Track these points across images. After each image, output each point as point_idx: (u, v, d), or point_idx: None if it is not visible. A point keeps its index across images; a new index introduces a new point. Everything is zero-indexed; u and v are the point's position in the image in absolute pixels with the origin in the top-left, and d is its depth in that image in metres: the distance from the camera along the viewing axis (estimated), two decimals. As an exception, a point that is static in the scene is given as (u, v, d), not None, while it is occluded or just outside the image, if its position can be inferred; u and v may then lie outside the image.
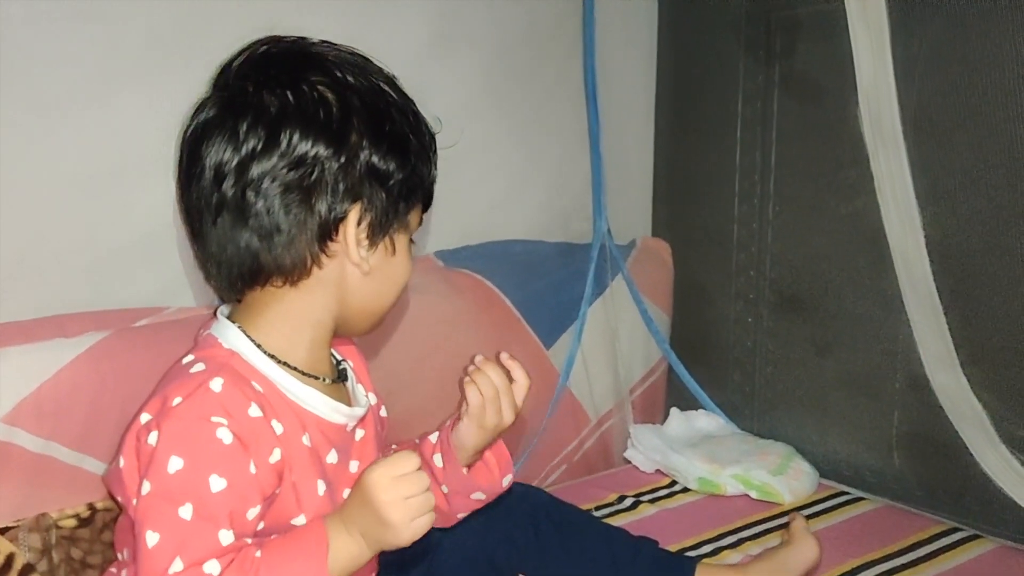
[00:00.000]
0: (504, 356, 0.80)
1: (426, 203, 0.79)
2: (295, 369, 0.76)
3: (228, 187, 0.72)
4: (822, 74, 1.25)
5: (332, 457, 0.77)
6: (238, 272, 0.74)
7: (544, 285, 1.34)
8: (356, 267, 0.75)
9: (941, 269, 1.15)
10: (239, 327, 0.76)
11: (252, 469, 0.70)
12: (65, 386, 0.89)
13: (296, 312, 0.76)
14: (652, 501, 1.23)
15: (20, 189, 0.94)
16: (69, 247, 0.98)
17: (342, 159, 0.72)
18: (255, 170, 0.71)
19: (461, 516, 0.87)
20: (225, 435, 0.69)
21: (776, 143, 1.33)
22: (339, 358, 0.83)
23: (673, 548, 1.06)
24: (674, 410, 1.42)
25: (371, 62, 0.77)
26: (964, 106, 1.11)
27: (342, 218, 0.73)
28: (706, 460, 1.27)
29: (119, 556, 0.82)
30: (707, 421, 1.41)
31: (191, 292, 1.06)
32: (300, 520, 0.74)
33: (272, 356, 0.75)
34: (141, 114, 1.00)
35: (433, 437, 0.86)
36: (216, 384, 0.71)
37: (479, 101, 1.29)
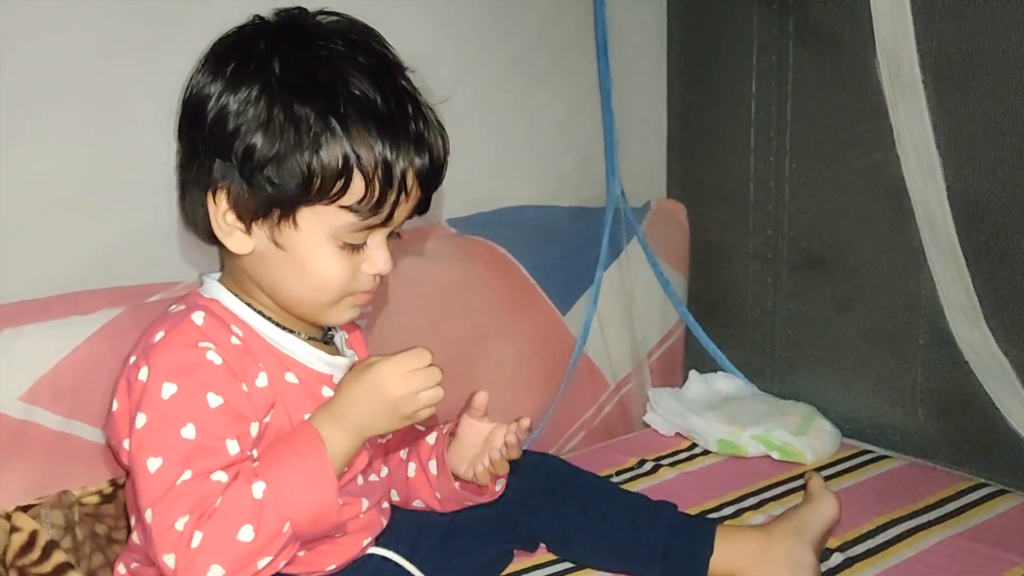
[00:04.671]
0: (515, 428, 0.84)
1: (324, 196, 0.73)
2: (273, 320, 0.79)
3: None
4: (839, 23, 1.22)
5: (328, 393, 0.80)
6: (203, 231, 0.78)
7: (558, 250, 1.32)
8: (225, 236, 0.76)
9: (964, 221, 1.12)
10: (219, 282, 0.81)
11: (244, 388, 0.73)
12: (83, 363, 0.89)
13: (252, 280, 0.78)
14: (672, 464, 1.22)
15: (30, 166, 0.93)
16: (81, 225, 0.98)
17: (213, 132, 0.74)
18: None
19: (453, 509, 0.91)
20: (215, 357, 0.72)
21: (792, 96, 1.30)
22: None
23: (695, 511, 1.05)
24: (693, 372, 1.41)
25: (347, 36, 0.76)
26: (986, 51, 1.07)
27: (211, 187, 0.75)
28: (726, 422, 1.26)
29: (131, 522, 0.82)
30: (726, 383, 1.40)
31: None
32: None
33: (250, 305, 0.78)
34: (146, 88, 0.98)
35: (431, 438, 0.89)
36: (198, 318, 0.75)
37: (479, 56, 1.25)
